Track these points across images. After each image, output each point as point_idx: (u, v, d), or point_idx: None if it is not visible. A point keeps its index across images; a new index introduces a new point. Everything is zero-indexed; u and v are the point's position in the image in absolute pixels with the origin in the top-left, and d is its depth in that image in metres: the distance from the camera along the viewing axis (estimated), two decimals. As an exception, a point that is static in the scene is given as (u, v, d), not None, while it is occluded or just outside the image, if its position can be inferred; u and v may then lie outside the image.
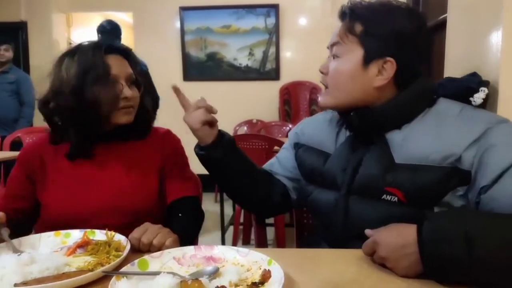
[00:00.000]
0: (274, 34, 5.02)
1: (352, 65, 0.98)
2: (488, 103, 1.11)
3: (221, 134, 1.11)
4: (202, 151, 1.10)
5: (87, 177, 1.19)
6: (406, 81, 0.97)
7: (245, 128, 4.90)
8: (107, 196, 1.17)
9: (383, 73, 0.96)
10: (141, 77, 1.25)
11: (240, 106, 5.05)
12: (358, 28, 0.97)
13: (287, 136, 4.08)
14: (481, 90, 0.97)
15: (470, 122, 0.91)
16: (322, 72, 1.05)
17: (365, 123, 1.00)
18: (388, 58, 0.95)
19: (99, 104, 1.13)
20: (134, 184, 1.20)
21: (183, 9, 5.04)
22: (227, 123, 4.87)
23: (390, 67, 0.95)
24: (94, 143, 1.20)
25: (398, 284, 0.77)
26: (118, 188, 1.18)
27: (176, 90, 1.09)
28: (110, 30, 3.60)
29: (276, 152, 2.88)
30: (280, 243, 2.74)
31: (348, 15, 0.99)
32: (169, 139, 1.31)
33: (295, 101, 4.99)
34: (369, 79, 0.97)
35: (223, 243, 3.01)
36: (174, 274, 0.77)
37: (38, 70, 5.03)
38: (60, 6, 5.19)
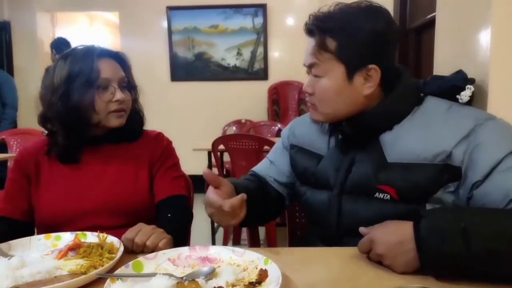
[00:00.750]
0: (262, 34, 5.02)
1: (337, 82, 0.97)
2: (475, 101, 1.13)
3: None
4: None
5: (79, 179, 1.19)
6: (391, 82, 0.98)
7: (234, 128, 4.88)
8: (99, 197, 1.16)
9: (369, 80, 0.96)
10: (134, 81, 1.25)
11: (228, 106, 5.03)
12: (331, 44, 0.95)
13: (276, 135, 4.10)
14: (468, 88, 0.98)
15: (458, 120, 0.93)
16: (307, 92, 1.03)
17: (357, 130, 1.00)
18: (371, 66, 0.95)
19: (89, 108, 1.13)
20: (126, 184, 1.20)
21: (170, 8, 5.00)
22: (216, 123, 4.86)
23: (374, 73, 0.95)
24: (84, 147, 1.20)
25: (396, 281, 0.77)
26: (110, 189, 1.18)
27: (209, 176, 0.95)
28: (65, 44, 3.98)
29: (267, 152, 2.89)
30: (271, 242, 2.73)
31: (316, 32, 0.97)
32: (160, 140, 1.31)
33: (284, 100, 4.99)
34: (356, 90, 0.97)
35: (213, 243, 3.00)
36: (170, 275, 0.75)
37: (22, 71, 4.94)
38: (45, 5, 5.10)
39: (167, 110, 4.93)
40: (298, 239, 1.40)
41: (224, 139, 3.02)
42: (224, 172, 3.34)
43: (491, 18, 1.07)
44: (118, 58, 1.22)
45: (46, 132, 1.22)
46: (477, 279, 0.75)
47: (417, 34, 2.31)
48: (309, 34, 1.00)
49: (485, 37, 1.10)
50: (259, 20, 5.00)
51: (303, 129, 1.18)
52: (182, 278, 0.77)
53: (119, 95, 1.16)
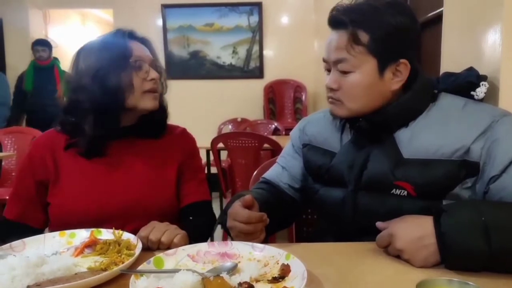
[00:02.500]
0: (258, 32, 5.02)
1: (369, 77, 0.96)
2: (486, 97, 1.14)
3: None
4: None
5: (103, 177, 1.14)
6: (410, 79, 0.98)
7: (230, 126, 4.88)
8: (129, 196, 1.13)
9: (398, 75, 0.96)
10: (161, 66, 1.23)
11: (224, 104, 5.03)
12: (364, 37, 0.93)
13: (273, 134, 4.10)
14: (482, 85, 0.99)
15: (475, 116, 0.94)
16: (332, 89, 1.00)
17: (373, 126, 1.00)
18: (402, 60, 0.95)
19: (126, 86, 1.10)
20: (153, 183, 1.17)
21: (165, 6, 4.98)
22: (211, 122, 4.85)
23: (404, 68, 0.95)
24: (109, 140, 1.15)
25: (416, 275, 0.78)
26: (136, 190, 1.14)
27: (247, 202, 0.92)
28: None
29: (266, 150, 2.89)
30: (272, 239, 2.73)
31: (349, 24, 0.94)
32: (187, 138, 1.29)
33: (280, 99, 5.00)
34: (386, 85, 0.97)
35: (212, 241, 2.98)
36: (193, 271, 0.75)
37: (14, 69, 4.87)
38: (37, 2, 5.04)
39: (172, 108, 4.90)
40: (308, 236, 1.41)
41: (223, 137, 3.02)
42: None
43: (502, 14, 1.08)
44: (146, 43, 1.20)
45: (59, 127, 1.18)
46: (498, 272, 0.76)
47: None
48: (337, 26, 0.97)
49: (495, 34, 1.11)
50: (254, 19, 5.01)
51: (314, 128, 1.17)
52: (204, 273, 0.76)
53: (153, 73, 1.13)
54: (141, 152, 1.19)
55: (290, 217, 1.21)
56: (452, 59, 1.30)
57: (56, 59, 4.33)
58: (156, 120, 1.21)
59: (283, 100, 5.00)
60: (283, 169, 1.20)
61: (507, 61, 1.08)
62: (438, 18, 1.63)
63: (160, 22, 5.03)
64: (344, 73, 0.97)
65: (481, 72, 1.17)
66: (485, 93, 0.99)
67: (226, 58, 5.08)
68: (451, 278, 0.65)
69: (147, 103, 1.14)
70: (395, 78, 0.97)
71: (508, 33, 1.08)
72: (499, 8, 1.10)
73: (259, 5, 4.97)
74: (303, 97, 4.97)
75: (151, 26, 5.05)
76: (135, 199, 1.13)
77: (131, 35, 1.16)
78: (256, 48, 5.05)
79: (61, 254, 0.91)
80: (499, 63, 1.10)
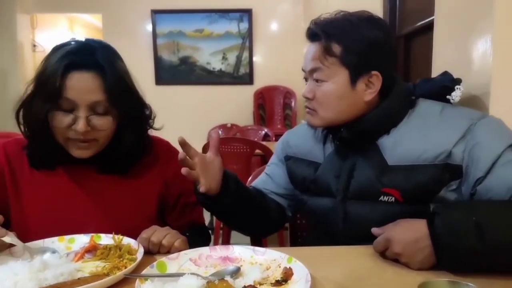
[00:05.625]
0: (247, 38, 5.06)
1: (340, 87, 0.99)
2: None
3: (225, 176, 1.00)
4: (209, 200, 0.98)
5: (70, 194, 1.04)
6: (387, 88, 1.01)
7: (220, 132, 4.88)
8: (94, 223, 1.02)
9: (370, 86, 1.00)
10: (124, 101, 0.99)
11: (214, 110, 5.03)
12: (336, 48, 0.98)
13: (263, 140, 4.11)
14: (457, 88, 1.03)
15: (453, 120, 0.97)
16: (307, 98, 1.04)
17: (355, 135, 1.02)
18: (374, 72, 0.98)
19: (43, 125, 0.95)
20: (128, 210, 1.06)
21: (155, 12, 4.98)
22: (201, 128, 4.84)
23: (376, 80, 0.99)
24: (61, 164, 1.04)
25: (414, 277, 0.80)
26: (107, 214, 1.05)
27: (183, 144, 0.94)
28: None
29: (258, 155, 2.90)
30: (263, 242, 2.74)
31: (322, 36, 0.98)
32: (170, 158, 1.12)
33: (269, 105, 5.03)
34: (358, 95, 1.00)
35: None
36: (197, 275, 0.76)
37: (1, 73, 4.80)
38: (24, 6, 4.99)
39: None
40: (303, 240, 1.42)
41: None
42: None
43: (493, 24, 1.11)
44: (103, 72, 0.95)
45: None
46: (495, 271, 0.79)
47: (406, 40, 2.38)
48: (312, 38, 1.03)
49: (486, 43, 1.15)
50: (244, 25, 5.04)
51: (297, 140, 1.19)
52: (208, 277, 0.77)
53: (80, 125, 0.93)
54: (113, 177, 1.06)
55: (276, 219, 1.22)
56: (443, 68, 1.33)
57: None
58: (113, 158, 1.04)
59: (273, 106, 5.03)
60: (267, 177, 1.24)
61: (497, 70, 1.11)
62: (429, 27, 1.67)
63: (149, 27, 5.02)
64: (318, 82, 1.01)
65: (472, 81, 1.20)
66: (460, 96, 1.03)
67: (216, 64, 5.09)
68: (451, 280, 0.67)
69: (72, 152, 0.98)
70: (368, 90, 1.00)
71: (499, 43, 1.11)
72: (489, 18, 1.13)
73: (249, 12, 5.01)
74: (293, 103, 5.00)
75: (140, 31, 5.04)
76: (108, 223, 1.02)
77: (76, 63, 0.93)
78: (246, 54, 5.08)
79: (60, 259, 0.90)
80: (489, 72, 1.13)
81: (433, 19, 1.50)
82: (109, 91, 0.95)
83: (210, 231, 1.23)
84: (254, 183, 1.26)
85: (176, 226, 1.01)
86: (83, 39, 1.03)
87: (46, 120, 0.94)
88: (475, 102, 1.23)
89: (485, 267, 0.80)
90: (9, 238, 0.87)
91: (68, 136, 0.96)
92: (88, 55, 0.96)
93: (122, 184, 1.08)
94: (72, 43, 1.00)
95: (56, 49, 0.98)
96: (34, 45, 5.24)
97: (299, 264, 0.80)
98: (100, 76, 0.95)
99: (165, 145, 1.17)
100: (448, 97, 1.03)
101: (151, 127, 1.12)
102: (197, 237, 1.08)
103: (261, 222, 1.17)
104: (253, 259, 0.88)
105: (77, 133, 0.94)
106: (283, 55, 5.03)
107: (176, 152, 1.13)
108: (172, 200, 1.14)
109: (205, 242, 1.14)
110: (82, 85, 0.93)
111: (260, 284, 0.77)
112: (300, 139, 1.18)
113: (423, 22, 2.02)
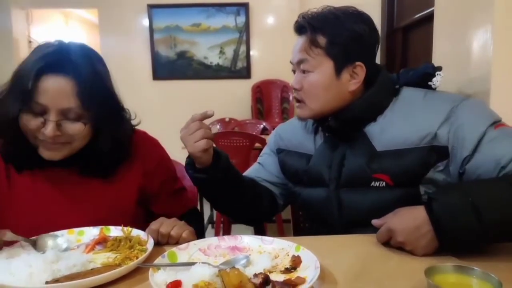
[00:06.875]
0: (244, 32, 5.04)
1: (326, 77, 1.04)
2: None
3: (217, 152, 1.06)
4: (200, 174, 1.03)
5: (50, 196, 1.04)
6: (372, 78, 1.05)
7: (218, 126, 4.88)
8: (76, 226, 1.00)
9: (354, 77, 1.04)
10: (99, 106, 0.97)
11: (211, 104, 4.98)
12: (322, 40, 1.02)
13: (261, 133, 4.12)
14: (438, 74, 1.07)
15: (436, 104, 1.01)
16: (295, 89, 1.09)
17: (343, 124, 1.06)
18: (357, 63, 1.03)
19: (13, 125, 0.94)
20: (109, 214, 1.05)
21: (151, 6, 4.95)
22: (199, 122, 4.83)
23: (360, 70, 1.03)
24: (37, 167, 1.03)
25: (421, 263, 0.82)
26: (86, 215, 1.04)
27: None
28: None
29: (257, 149, 2.92)
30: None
31: (308, 29, 1.03)
32: (148, 147, 1.14)
33: (267, 99, 5.03)
34: (343, 85, 1.04)
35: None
36: (208, 264, 0.77)
37: (-4, 70, 4.77)
38: (20, 1, 4.94)
39: (149, 109, 4.85)
40: (306, 231, 1.44)
41: (214, 136, 3.02)
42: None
43: (493, 15, 1.13)
44: (78, 76, 0.93)
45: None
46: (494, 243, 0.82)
47: (404, 32, 2.40)
48: (299, 31, 1.07)
49: (486, 34, 1.16)
50: (241, 19, 5.02)
51: (289, 133, 1.24)
52: (219, 266, 0.78)
53: (48, 130, 0.91)
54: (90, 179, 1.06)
55: (269, 209, 1.25)
56: (443, 59, 1.35)
57: None
58: (92, 162, 1.03)
59: (270, 100, 5.03)
60: (260, 165, 1.28)
61: (497, 61, 1.13)
62: (429, 18, 1.68)
63: (146, 22, 4.99)
64: (305, 73, 1.06)
65: (472, 73, 1.22)
66: (440, 81, 1.06)
67: (213, 59, 5.08)
68: (457, 264, 0.69)
69: (41, 152, 0.97)
70: (352, 80, 1.04)
71: (499, 33, 1.13)
72: (489, 8, 1.15)
73: (245, 6, 4.99)
74: (290, 97, 5.01)
75: (137, 26, 5.01)
76: (90, 225, 1.01)
77: (51, 67, 0.92)
78: (243, 48, 5.06)
79: (71, 251, 0.92)
80: (490, 63, 1.15)
81: (432, 11, 1.51)
82: (82, 97, 0.94)
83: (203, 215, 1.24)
84: (246, 172, 1.29)
85: (167, 214, 1.01)
86: (66, 41, 1.01)
87: (17, 120, 0.94)
88: (475, 93, 1.25)
89: (485, 244, 0.84)
90: (10, 235, 0.88)
91: (38, 137, 0.95)
92: (64, 58, 0.94)
93: (103, 185, 1.07)
94: (55, 44, 0.99)
95: (36, 49, 0.98)
96: (30, 41, 5.20)
97: (307, 252, 0.82)
98: (75, 81, 0.93)
99: (142, 136, 1.16)
100: (429, 83, 1.08)
101: (133, 129, 1.12)
102: (193, 224, 1.05)
103: (253, 207, 1.20)
104: (261, 248, 0.90)
105: (45, 137, 0.93)
106: (280, 49, 5.00)
107: (154, 140, 1.18)
108: (154, 189, 1.13)
109: (198, 225, 1.13)
110: (55, 89, 0.92)
111: (270, 272, 0.79)
112: (291, 132, 1.23)
113: (422, 13, 2.03)
